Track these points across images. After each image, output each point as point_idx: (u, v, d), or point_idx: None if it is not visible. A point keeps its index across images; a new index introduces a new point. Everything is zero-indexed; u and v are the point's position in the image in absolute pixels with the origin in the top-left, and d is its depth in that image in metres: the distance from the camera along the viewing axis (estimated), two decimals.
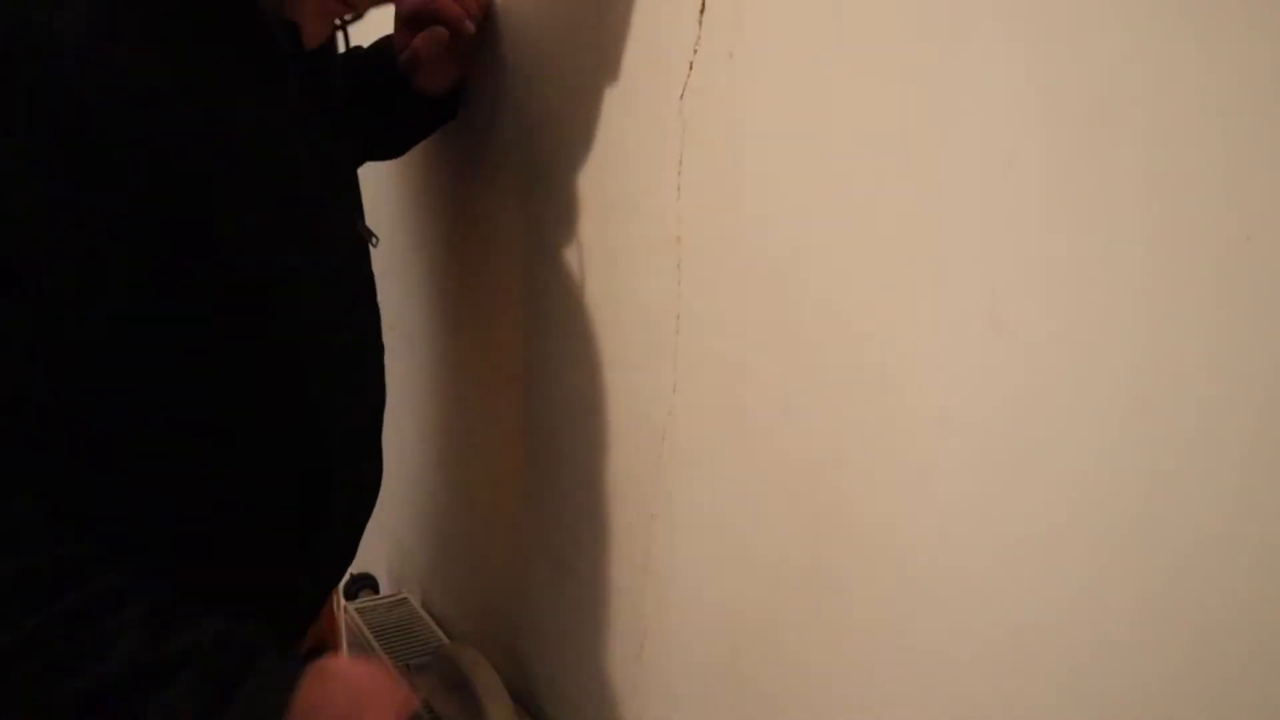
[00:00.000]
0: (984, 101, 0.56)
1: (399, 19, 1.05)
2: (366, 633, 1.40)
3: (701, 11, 0.76)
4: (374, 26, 1.02)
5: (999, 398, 0.57)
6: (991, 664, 0.60)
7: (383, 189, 1.42)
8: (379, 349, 0.98)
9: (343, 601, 1.62)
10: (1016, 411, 0.56)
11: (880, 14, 0.62)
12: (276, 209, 0.77)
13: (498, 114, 1.09)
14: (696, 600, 0.87)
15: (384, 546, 1.70)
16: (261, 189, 0.75)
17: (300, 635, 0.99)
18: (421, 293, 1.37)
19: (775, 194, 0.71)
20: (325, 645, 1.26)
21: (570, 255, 0.97)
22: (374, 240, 0.93)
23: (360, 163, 1.07)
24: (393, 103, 1.07)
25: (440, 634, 1.41)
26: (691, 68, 0.78)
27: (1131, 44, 0.48)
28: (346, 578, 1.65)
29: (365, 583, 1.65)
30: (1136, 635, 0.51)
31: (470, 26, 1.03)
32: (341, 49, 0.93)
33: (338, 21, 0.86)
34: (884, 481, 0.65)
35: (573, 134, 0.94)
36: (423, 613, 1.47)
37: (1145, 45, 0.47)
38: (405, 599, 1.52)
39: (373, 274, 0.96)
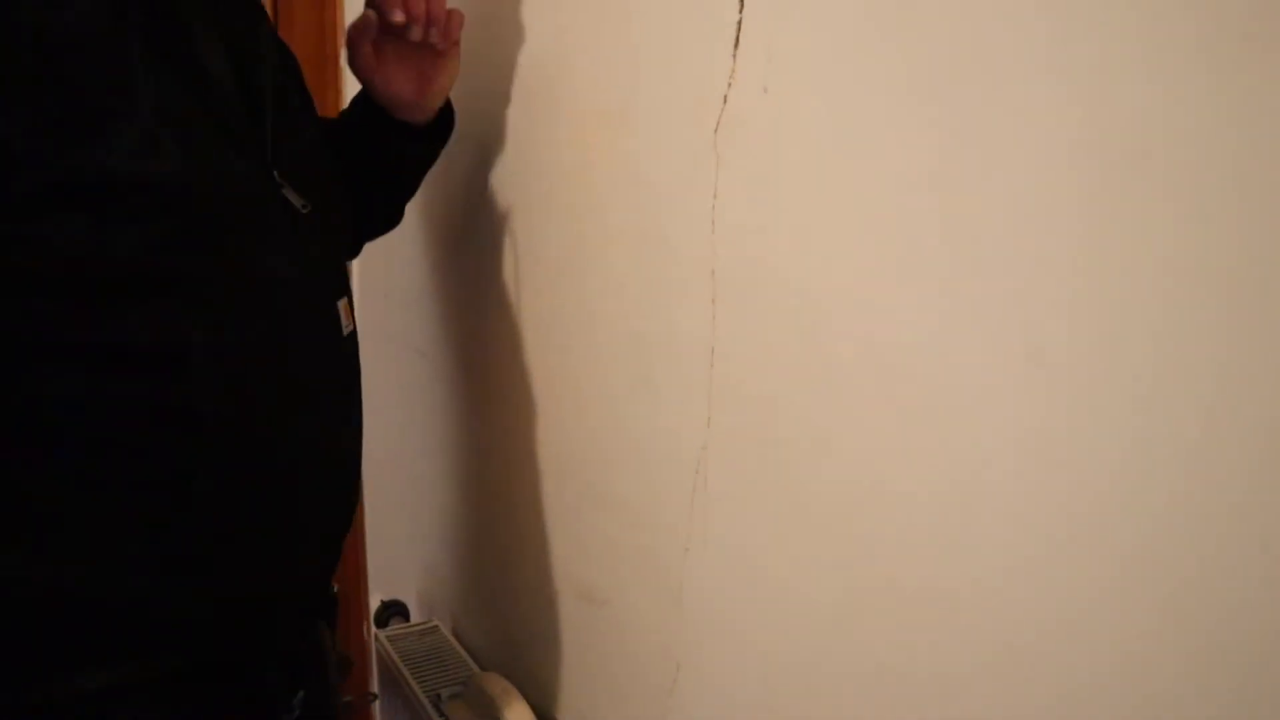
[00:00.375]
0: (1022, 137, 0.55)
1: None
2: (397, 660, 1.40)
3: (735, 45, 0.77)
4: None
5: (1037, 433, 0.56)
6: (1034, 712, 0.59)
7: (409, 213, 1.43)
8: (328, 325, 0.91)
9: (373, 629, 1.62)
10: (1054, 447, 0.55)
11: (915, 49, 0.61)
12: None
13: (529, 146, 1.09)
14: (730, 635, 0.86)
15: (415, 574, 1.70)
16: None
17: (278, 650, 0.92)
18: (451, 321, 1.37)
19: (810, 228, 0.71)
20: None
21: (604, 287, 0.97)
22: (304, 206, 0.87)
23: (354, 203, 1.06)
24: (366, 125, 1.06)
25: (471, 663, 1.41)
26: (726, 101, 0.78)
27: (1165, 91, 0.47)
28: (377, 604, 1.66)
29: (396, 610, 1.65)
30: (1184, 688, 0.50)
31: (418, 33, 1.00)
32: None
33: None
34: (921, 518, 0.65)
35: (607, 166, 0.94)
36: (453, 641, 1.47)
37: (1179, 92, 0.47)
38: (436, 627, 1.52)
39: (322, 245, 0.91)
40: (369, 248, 1.69)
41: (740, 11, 0.76)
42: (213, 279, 0.77)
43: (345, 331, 0.92)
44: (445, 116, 1.12)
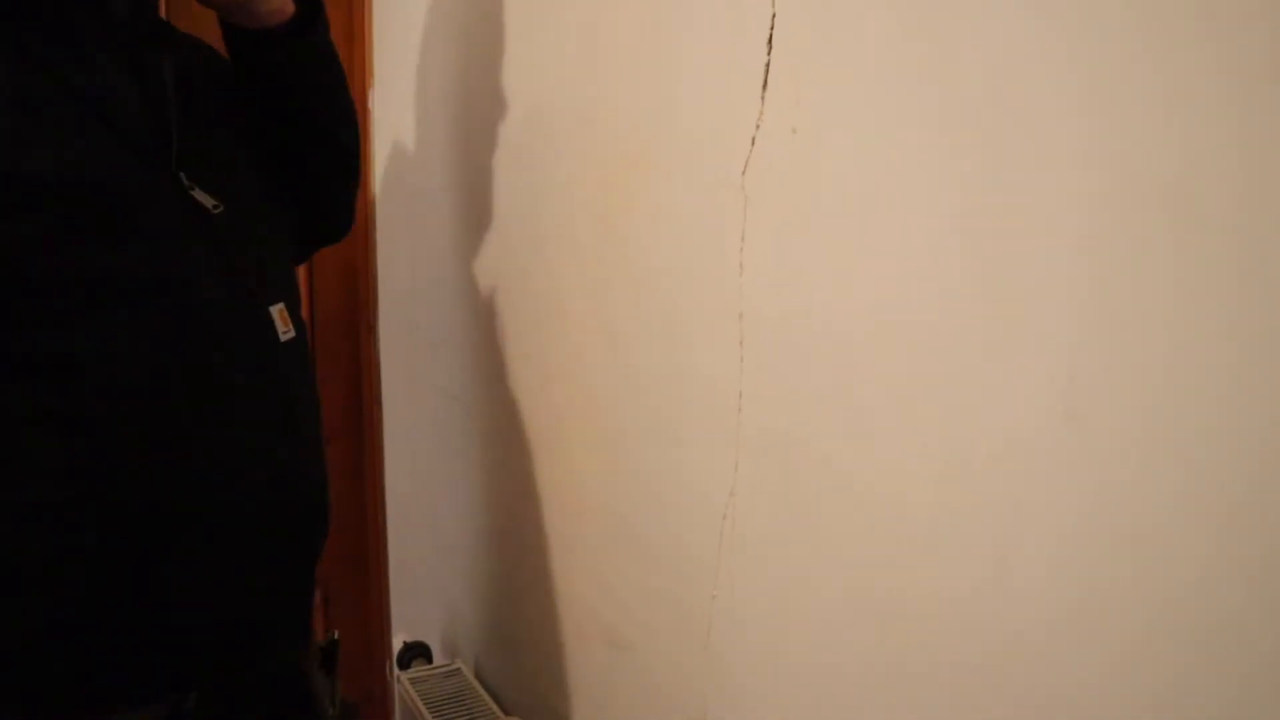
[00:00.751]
0: (1061, 185, 0.54)
1: None
2: (419, 703, 1.39)
3: (764, 87, 0.76)
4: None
5: (1075, 489, 0.54)
6: None
7: (442, 255, 1.43)
8: (257, 331, 0.87)
9: (396, 670, 1.61)
10: (1092, 503, 0.53)
11: (946, 90, 0.61)
12: None
13: (557, 187, 1.09)
14: (758, 683, 0.84)
15: (439, 615, 1.68)
16: None
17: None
18: (476, 363, 1.37)
19: (840, 272, 0.70)
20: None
21: (632, 329, 0.96)
22: (216, 207, 0.84)
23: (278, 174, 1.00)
24: (235, 52, 0.96)
25: (493, 705, 1.39)
26: (754, 143, 0.78)
27: (1216, 134, 0.46)
28: (400, 646, 1.64)
29: (418, 651, 1.64)
30: None
31: None
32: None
33: None
34: (954, 571, 0.63)
35: (635, 208, 0.94)
36: (475, 683, 1.45)
37: (1230, 135, 0.46)
38: (459, 669, 1.50)
39: (245, 247, 0.88)
40: (390, 283, 1.69)
41: (769, 53, 0.76)
42: (101, 281, 0.75)
43: (283, 338, 0.89)
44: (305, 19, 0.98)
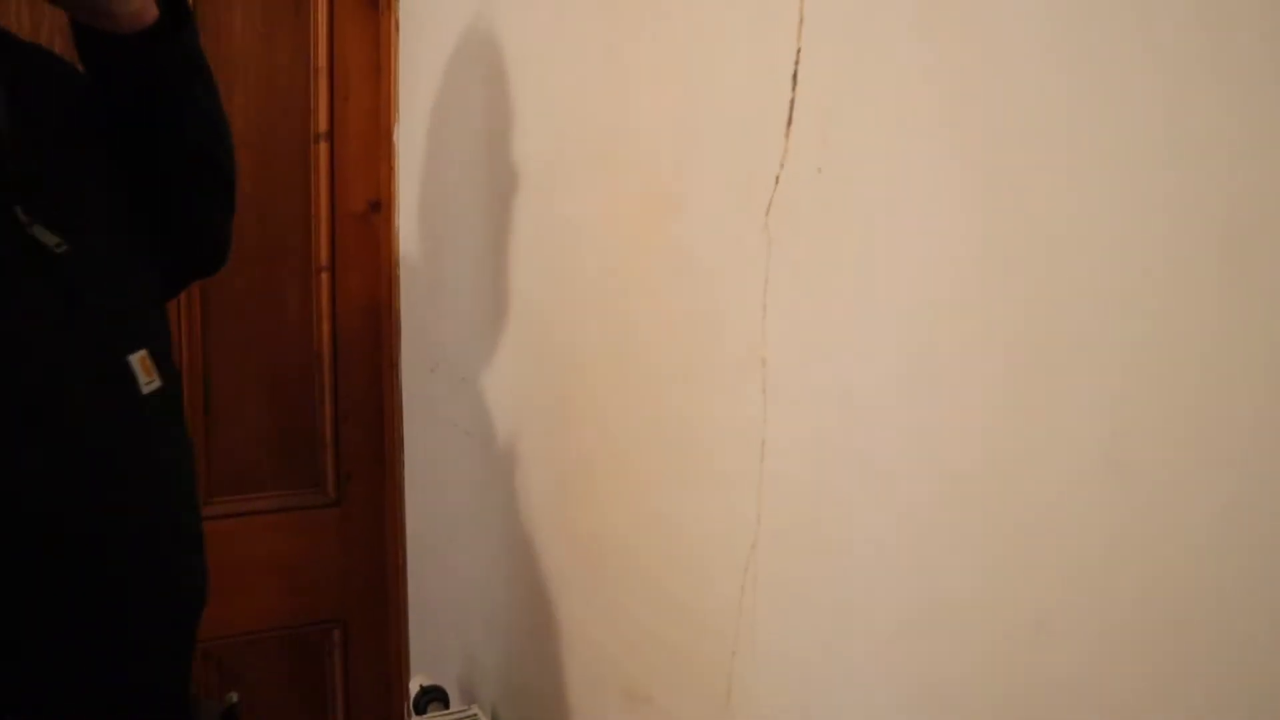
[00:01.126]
0: (1098, 228, 0.51)
1: None
2: None
3: (788, 125, 0.73)
4: None
5: (1118, 543, 0.51)
6: None
7: (462, 292, 1.41)
8: (112, 381, 0.78)
9: (412, 714, 1.57)
10: (1135, 558, 0.50)
11: (980, 131, 0.57)
12: None
13: (580, 225, 1.07)
14: None
15: (456, 659, 1.65)
16: None
17: None
18: (497, 403, 1.34)
19: (867, 318, 0.67)
20: None
21: (654, 372, 0.93)
22: (59, 245, 0.75)
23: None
24: (90, 60, 0.85)
25: None
26: (778, 182, 0.75)
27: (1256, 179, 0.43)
28: (416, 689, 1.61)
29: (435, 695, 1.60)
30: None
31: None
32: None
33: None
34: (992, 635, 0.59)
35: (658, 248, 0.91)
36: None
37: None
38: (475, 715, 1.46)
39: (98, 289, 0.79)
40: (412, 319, 1.67)
41: (793, 90, 0.73)
42: None
43: (146, 389, 0.80)
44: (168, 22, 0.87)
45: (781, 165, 0.74)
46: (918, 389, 0.63)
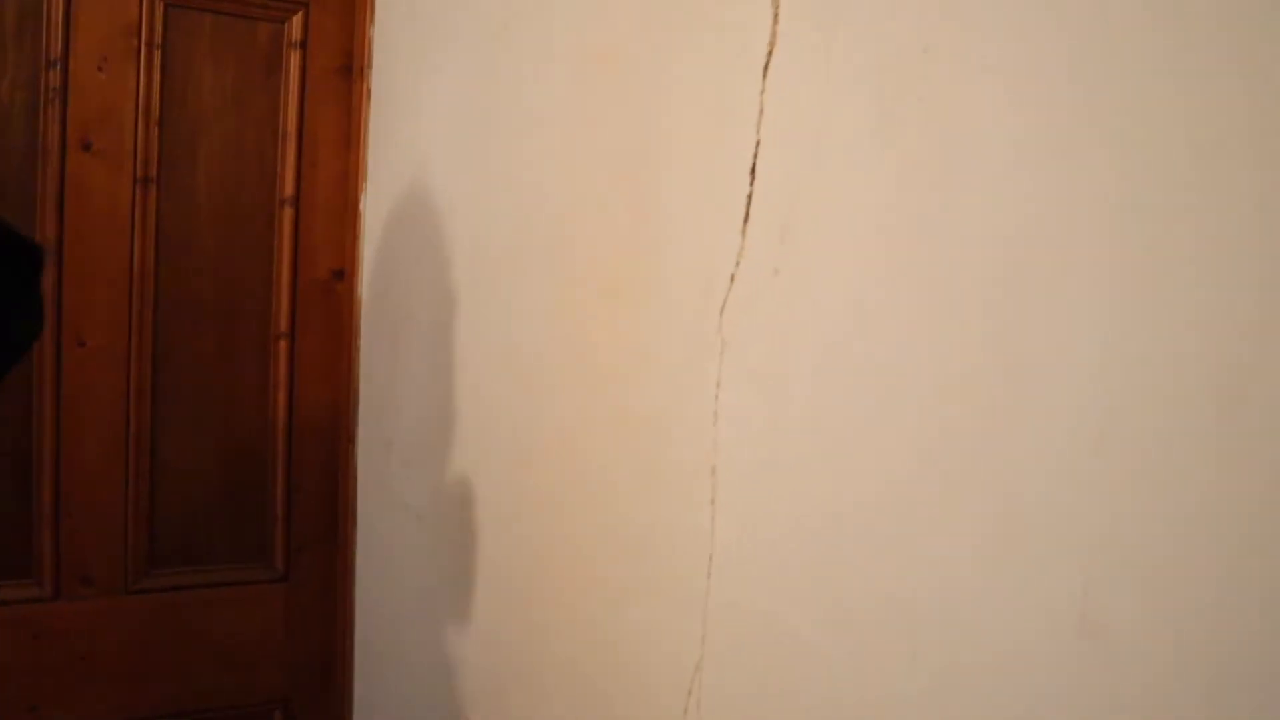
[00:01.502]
0: (1065, 336, 0.46)
1: None
2: None
3: (745, 220, 0.69)
4: None
5: (1089, 708, 0.45)
6: None
7: (418, 369, 1.36)
8: None
9: None
10: None
11: (951, 243, 0.53)
12: None
13: (530, 314, 1.02)
14: None
15: None
16: None
17: None
18: (450, 487, 1.28)
19: (824, 431, 0.62)
20: None
21: (600, 469, 0.88)
22: None
23: None
24: None
25: None
26: (733, 281, 0.70)
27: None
28: None
29: None
30: None
31: None
32: None
33: None
34: None
35: (607, 342, 0.86)
36: None
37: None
38: None
39: None
40: (370, 393, 1.62)
41: (751, 184, 0.69)
42: None
43: None
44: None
45: (737, 263, 0.70)
46: (880, 522, 0.58)
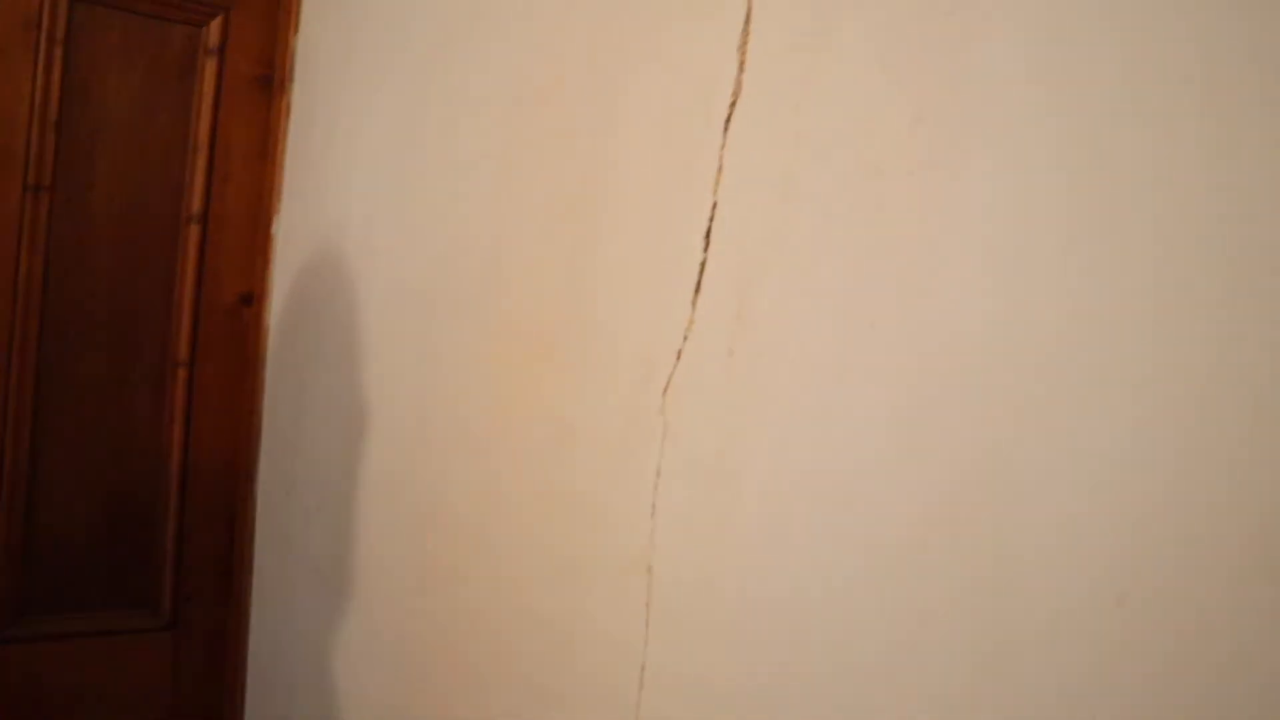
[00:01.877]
0: (1034, 428, 0.39)
1: None
2: None
3: (696, 291, 0.61)
4: None
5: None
6: None
7: (325, 410, 1.25)
8: None
9: None
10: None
11: (922, 332, 0.46)
12: None
13: (453, 362, 0.93)
14: None
15: None
16: None
17: None
18: (354, 544, 1.18)
19: (779, 534, 0.54)
20: None
21: (519, 552, 0.78)
22: None
23: None
24: None
25: None
26: (679, 357, 0.62)
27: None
28: None
29: None
30: None
31: None
32: None
33: None
34: None
35: (536, 406, 0.77)
36: None
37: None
38: None
39: None
40: (273, 430, 1.51)
41: (705, 250, 0.61)
42: None
43: None
44: None
45: (685, 338, 0.61)
46: (835, 648, 0.50)
